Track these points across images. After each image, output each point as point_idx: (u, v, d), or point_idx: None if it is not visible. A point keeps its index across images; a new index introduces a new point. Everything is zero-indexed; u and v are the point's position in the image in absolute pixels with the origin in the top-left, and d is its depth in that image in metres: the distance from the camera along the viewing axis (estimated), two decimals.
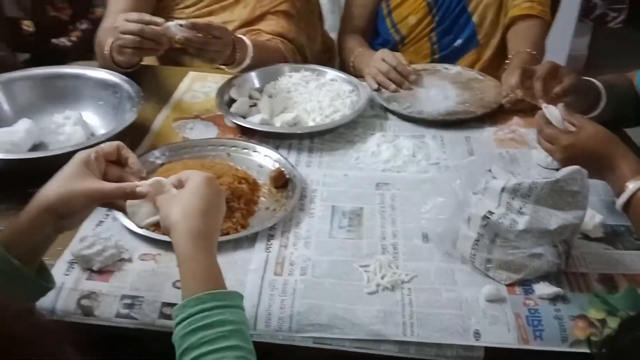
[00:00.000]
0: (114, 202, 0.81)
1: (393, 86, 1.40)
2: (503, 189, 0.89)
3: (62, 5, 3.14)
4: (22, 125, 1.16)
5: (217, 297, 0.69)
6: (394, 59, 1.42)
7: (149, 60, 1.58)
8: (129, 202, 0.79)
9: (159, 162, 1.13)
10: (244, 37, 1.40)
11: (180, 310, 0.68)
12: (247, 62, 1.39)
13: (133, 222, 0.81)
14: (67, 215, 0.75)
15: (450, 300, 0.89)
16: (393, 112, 1.35)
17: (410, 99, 1.38)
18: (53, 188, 0.75)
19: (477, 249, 0.92)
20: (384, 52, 1.45)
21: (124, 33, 1.19)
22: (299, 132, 1.24)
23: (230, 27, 1.54)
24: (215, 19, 1.55)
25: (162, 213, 0.76)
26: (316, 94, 1.34)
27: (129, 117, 1.14)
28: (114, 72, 1.27)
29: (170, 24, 1.19)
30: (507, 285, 0.91)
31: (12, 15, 2.96)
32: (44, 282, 0.78)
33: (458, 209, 0.94)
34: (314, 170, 1.17)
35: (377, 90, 1.40)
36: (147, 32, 1.19)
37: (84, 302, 0.87)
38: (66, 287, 0.89)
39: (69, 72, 1.27)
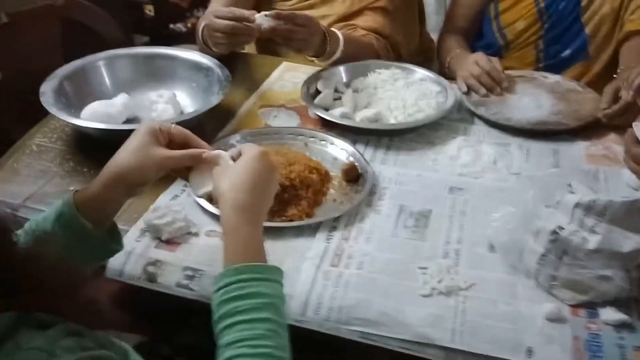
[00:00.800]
0: (180, 170, 0.84)
1: (483, 90, 1.36)
2: (577, 205, 0.85)
3: None
4: (120, 100, 1.24)
5: (255, 270, 0.70)
6: (488, 63, 1.38)
7: (248, 48, 1.63)
8: (192, 172, 0.82)
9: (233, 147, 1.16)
10: (336, 30, 1.41)
11: (219, 279, 0.70)
12: (337, 55, 1.40)
13: (192, 191, 0.84)
14: (138, 183, 0.80)
15: (506, 313, 0.85)
16: (480, 117, 1.31)
17: (499, 105, 1.33)
18: (124, 158, 0.79)
19: (543, 265, 0.88)
20: (478, 55, 1.41)
21: (215, 30, 1.24)
22: (378, 128, 1.24)
23: (327, 20, 1.57)
24: (314, 12, 1.57)
25: (214, 184, 0.79)
26: (402, 92, 1.33)
27: (215, 99, 1.18)
28: (208, 57, 1.32)
29: (259, 16, 1.23)
30: (570, 305, 0.86)
31: None
32: (113, 244, 0.83)
33: (526, 220, 0.90)
34: (388, 168, 1.16)
35: (467, 93, 1.37)
36: (237, 29, 1.23)
37: (150, 268, 0.93)
38: (135, 252, 0.94)
39: (166, 53, 1.34)
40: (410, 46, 1.70)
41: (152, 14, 3.09)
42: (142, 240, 0.96)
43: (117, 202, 0.81)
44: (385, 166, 1.17)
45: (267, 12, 1.24)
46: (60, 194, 1.01)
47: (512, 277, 0.91)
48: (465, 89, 1.37)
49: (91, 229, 0.77)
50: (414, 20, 1.72)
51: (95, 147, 1.11)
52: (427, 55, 1.85)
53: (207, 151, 0.82)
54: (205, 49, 1.39)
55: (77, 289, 0.60)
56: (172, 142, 0.83)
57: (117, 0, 2.83)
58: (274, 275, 0.72)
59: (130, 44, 2.82)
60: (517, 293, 0.89)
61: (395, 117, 1.27)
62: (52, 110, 1.12)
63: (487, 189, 1.10)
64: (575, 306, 0.86)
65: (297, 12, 1.31)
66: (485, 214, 1.03)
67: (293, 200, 1.02)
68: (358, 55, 1.45)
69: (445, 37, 1.67)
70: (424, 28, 1.88)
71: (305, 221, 1.00)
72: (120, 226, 0.89)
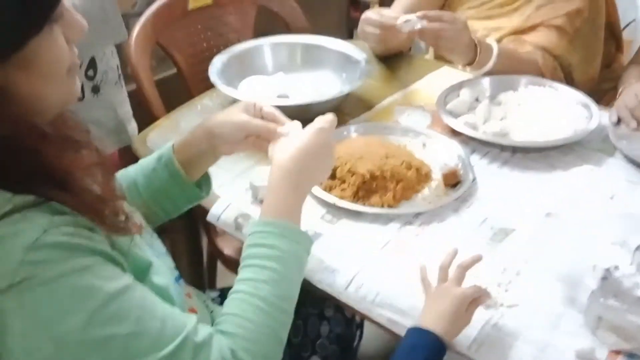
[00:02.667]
0: (262, 146, 0.93)
1: (634, 124, 1.26)
2: (638, 248, 0.79)
3: None
4: (276, 78, 1.41)
5: (280, 226, 0.79)
6: None
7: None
8: (272, 142, 0.92)
9: (348, 134, 1.25)
10: (491, 42, 1.42)
11: (251, 226, 0.81)
12: (489, 65, 1.41)
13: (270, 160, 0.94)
14: (219, 136, 0.92)
15: (537, 341, 0.84)
16: (620, 151, 1.22)
17: None
18: (216, 115, 0.94)
19: (592, 302, 0.83)
20: None
21: (367, 25, 1.35)
22: (493, 142, 1.23)
23: (500, 33, 1.57)
24: (490, 23, 1.59)
25: (274, 148, 0.88)
26: (542, 111, 1.29)
27: (347, 89, 1.29)
28: (359, 51, 1.44)
29: (400, 19, 1.31)
30: (610, 351, 0.81)
31: None
32: (201, 190, 0.98)
33: (591, 251, 0.87)
34: (496, 181, 1.16)
35: (617, 123, 1.28)
36: (385, 26, 1.32)
37: (239, 219, 1.08)
38: (234, 205, 1.10)
39: (323, 44, 1.48)
40: (588, 71, 1.61)
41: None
42: (241, 197, 1.12)
43: (201, 151, 0.94)
44: (493, 179, 1.16)
45: (408, 17, 1.31)
46: None
47: (564, 309, 0.88)
48: (615, 119, 1.28)
49: (180, 170, 0.93)
50: (596, 45, 1.62)
51: None
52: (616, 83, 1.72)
53: (283, 127, 0.90)
54: (371, 45, 1.52)
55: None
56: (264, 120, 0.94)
57: None
58: (297, 237, 0.81)
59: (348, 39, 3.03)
60: (559, 325, 0.86)
61: (524, 135, 1.25)
62: (213, 78, 1.33)
63: (586, 221, 1.05)
64: (616, 352, 0.81)
65: (444, 12, 1.35)
66: (567, 242, 0.99)
67: (379, 189, 1.09)
68: (517, 69, 1.44)
69: (629, 68, 1.55)
70: (621, 56, 1.76)
71: (383, 210, 1.06)
72: (232, 182, 1.04)
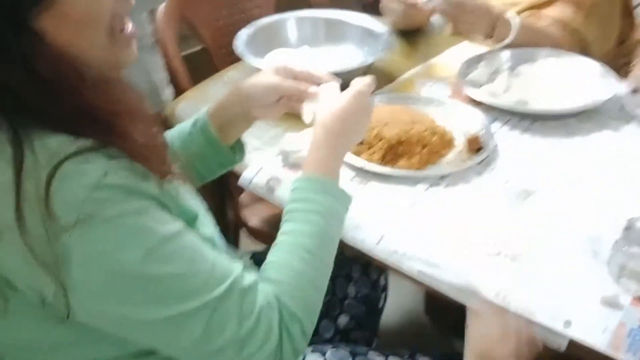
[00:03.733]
0: (294, 108, 0.97)
1: None
2: None
3: None
4: (301, 50, 1.45)
5: (319, 181, 0.84)
6: None
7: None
8: (304, 102, 0.96)
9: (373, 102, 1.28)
10: (512, 17, 1.45)
11: (294, 182, 0.86)
12: (508, 40, 1.44)
13: (303, 119, 0.97)
14: (252, 99, 0.96)
15: (562, 287, 0.88)
16: (638, 118, 1.26)
17: None
18: (248, 79, 0.98)
19: (616, 252, 0.88)
20: None
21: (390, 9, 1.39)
22: (515, 110, 1.27)
23: (517, 7, 1.60)
24: None
25: (318, 105, 0.92)
26: (560, 81, 1.33)
27: (369, 59, 1.33)
28: (382, 25, 1.47)
29: None
30: (633, 297, 0.85)
31: None
32: (233, 154, 1.02)
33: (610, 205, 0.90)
34: (517, 148, 1.19)
35: (635, 92, 1.31)
36: (406, 11, 1.41)
37: (271, 182, 1.12)
38: (265, 168, 1.14)
39: (344, 19, 1.52)
40: (604, 46, 1.64)
41: None
42: (273, 160, 1.16)
43: (235, 114, 0.97)
44: (514, 146, 1.20)
45: None
46: None
47: (589, 260, 0.92)
48: (629, 88, 1.32)
49: (215, 134, 0.97)
50: (612, 20, 1.65)
51: None
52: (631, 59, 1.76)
53: (314, 87, 0.94)
54: (392, 20, 1.55)
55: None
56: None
57: None
58: (338, 193, 0.85)
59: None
60: (584, 276, 0.90)
61: (543, 103, 1.29)
62: (240, 50, 1.37)
63: (606, 181, 1.08)
64: (638, 298, 0.85)
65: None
66: (594, 203, 1.03)
67: (406, 153, 1.13)
68: (534, 42, 1.47)
69: None
70: (636, 32, 1.79)
71: (409, 172, 1.10)
72: (263, 147, 1.09)
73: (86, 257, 0.63)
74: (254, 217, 1.53)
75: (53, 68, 0.64)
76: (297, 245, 0.80)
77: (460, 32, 1.45)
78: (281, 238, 0.81)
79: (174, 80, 1.46)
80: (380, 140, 1.14)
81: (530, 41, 1.47)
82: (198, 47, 1.69)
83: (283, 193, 1.09)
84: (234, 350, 0.70)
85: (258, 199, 1.40)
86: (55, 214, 0.61)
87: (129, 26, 0.73)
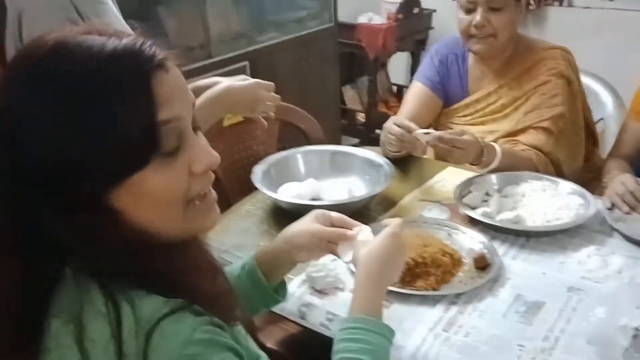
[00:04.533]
0: (333, 250, 1.07)
1: (626, 208, 1.46)
2: None
3: (394, 105, 3.77)
4: (308, 183, 1.59)
5: (368, 322, 0.92)
6: (634, 184, 1.49)
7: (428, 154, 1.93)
8: (340, 244, 1.07)
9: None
10: (495, 145, 1.64)
11: (343, 322, 0.94)
12: (493, 165, 1.62)
13: (341, 258, 1.07)
14: (298, 245, 1.06)
15: None
16: (618, 232, 1.42)
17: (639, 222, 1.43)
18: (293, 226, 1.08)
19: (626, 359, 0.99)
20: (626, 177, 1.53)
21: (389, 133, 1.56)
22: (514, 228, 1.42)
23: (494, 135, 1.80)
24: (483, 128, 1.83)
25: (355, 252, 1.03)
26: (546, 201, 1.50)
27: (378, 189, 1.48)
28: (380, 156, 1.64)
29: (419, 132, 1.52)
30: None
31: (351, 107, 3.68)
32: (278, 295, 1.10)
33: (617, 315, 1.03)
34: (517, 263, 1.33)
35: (610, 209, 1.48)
36: (406, 137, 1.55)
37: (303, 308, 1.21)
38: (295, 295, 1.23)
39: (347, 152, 1.68)
40: (573, 165, 1.84)
41: (363, 120, 3.57)
42: (301, 287, 1.26)
43: (282, 260, 1.07)
44: (514, 261, 1.34)
45: (426, 131, 1.53)
46: (254, 247, 1.35)
47: None
48: (609, 204, 1.49)
49: (262, 278, 1.06)
50: (578, 143, 1.86)
51: (284, 216, 1.46)
52: (598, 174, 1.96)
53: (351, 231, 1.06)
54: (384, 150, 1.72)
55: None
56: (333, 225, 1.08)
57: (334, 109, 3.35)
58: (383, 330, 0.93)
59: (337, 142, 3.29)
60: None
61: (534, 221, 1.44)
62: (258, 185, 1.50)
63: (604, 293, 1.22)
64: None
65: (457, 138, 1.54)
66: (596, 314, 1.15)
67: (423, 274, 1.25)
68: (516, 166, 1.65)
69: (610, 161, 1.79)
70: (597, 150, 2.01)
71: (430, 292, 1.22)
72: (288, 275, 1.19)
73: None
74: (269, 339, 1.59)
75: (123, 241, 0.71)
76: None
77: (454, 162, 1.63)
78: None
79: None
80: None
81: (511, 164, 1.65)
82: None
83: (314, 317, 1.19)
84: None
85: (272, 322, 1.48)
86: None
87: (210, 194, 0.79)
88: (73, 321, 0.69)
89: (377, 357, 0.90)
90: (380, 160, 1.63)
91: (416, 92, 1.91)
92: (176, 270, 0.75)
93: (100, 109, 0.67)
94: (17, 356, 0.71)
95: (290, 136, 1.94)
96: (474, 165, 1.65)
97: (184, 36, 2.13)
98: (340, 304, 1.20)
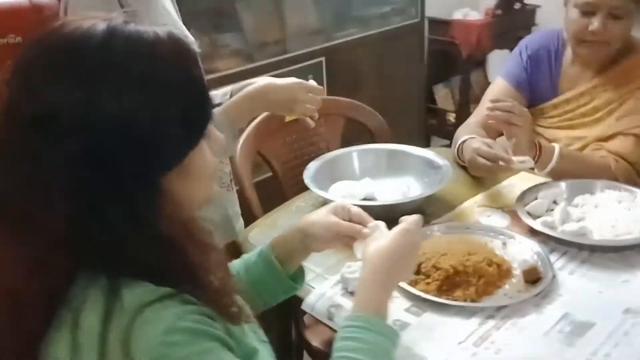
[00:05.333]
0: (349, 244, 1.05)
1: None
2: None
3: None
4: (363, 182, 1.55)
5: (369, 321, 0.89)
6: None
7: None
8: (356, 242, 1.04)
9: (431, 232, 1.35)
10: (555, 146, 1.52)
11: (345, 320, 0.91)
12: (550, 166, 1.51)
13: (356, 255, 1.05)
14: (311, 236, 1.05)
15: None
16: None
17: None
18: (309, 216, 1.07)
19: None
20: None
21: (476, 168, 1.50)
22: (578, 241, 1.29)
23: (583, 142, 1.68)
24: (572, 133, 1.71)
25: (364, 248, 0.99)
26: (619, 213, 1.35)
27: (431, 190, 1.41)
28: (442, 157, 1.56)
29: (516, 161, 1.46)
30: None
31: (442, 107, 3.57)
32: (294, 283, 1.09)
33: None
34: (575, 279, 1.21)
35: None
36: (494, 169, 1.47)
37: (332, 309, 1.18)
38: (327, 295, 1.20)
39: (406, 151, 1.62)
40: None
41: (453, 120, 3.45)
42: (334, 288, 1.22)
43: (295, 248, 1.07)
44: (571, 277, 1.22)
45: (522, 159, 1.47)
46: None
47: None
48: None
49: (276, 264, 1.05)
50: None
51: None
52: None
53: (367, 229, 1.02)
54: (457, 159, 1.64)
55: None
56: (351, 220, 1.06)
57: (420, 108, 3.27)
58: (385, 331, 0.89)
59: (423, 143, 3.21)
60: None
61: (602, 234, 1.31)
62: (307, 182, 1.48)
63: None
64: None
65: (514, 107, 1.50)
66: None
67: (463, 284, 1.17)
68: (587, 173, 1.52)
69: None
70: None
71: (467, 303, 1.14)
72: (325, 275, 1.16)
73: None
74: (316, 338, 1.57)
75: (169, 226, 0.73)
76: None
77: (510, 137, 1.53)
78: None
79: (246, 208, 1.58)
80: (437, 270, 1.18)
81: (582, 171, 1.53)
82: (268, 174, 1.83)
83: (341, 319, 1.14)
84: None
85: (319, 321, 1.46)
86: (133, 356, 0.68)
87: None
88: (74, 311, 0.72)
89: (374, 356, 0.87)
90: (440, 161, 1.56)
91: (498, 89, 1.80)
92: (200, 264, 0.76)
93: (170, 90, 0.72)
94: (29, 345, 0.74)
95: (356, 133, 1.90)
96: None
97: (260, 31, 2.15)
98: None
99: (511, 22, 3.32)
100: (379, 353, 0.87)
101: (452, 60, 3.41)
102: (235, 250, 1.39)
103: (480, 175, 1.58)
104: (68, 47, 0.69)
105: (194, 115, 0.76)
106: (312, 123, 1.46)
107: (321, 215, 1.06)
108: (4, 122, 0.70)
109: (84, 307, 0.70)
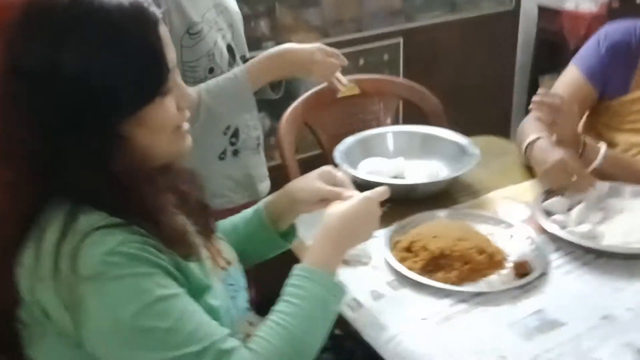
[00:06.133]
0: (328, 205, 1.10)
1: None
2: None
3: None
4: (395, 161, 1.60)
5: (314, 273, 0.96)
6: None
7: None
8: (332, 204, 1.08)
9: (436, 216, 1.38)
10: (601, 145, 1.46)
11: (293, 269, 0.98)
12: (594, 165, 1.46)
13: None
14: (298, 199, 1.13)
15: None
16: None
17: None
18: (298, 180, 1.15)
19: None
20: None
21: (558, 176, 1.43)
22: (582, 244, 1.27)
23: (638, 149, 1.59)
24: (632, 137, 1.61)
25: (328, 210, 1.05)
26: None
27: (454, 174, 1.44)
28: (474, 144, 1.57)
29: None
30: None
31: None
32: (282, 240, 1.18)
33: None
34: (566, 280, 1.20)
35: None
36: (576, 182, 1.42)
37: None
38: None
39: (440, 135, 1.65)
40: None
41: None
42: None
43: (283, 208, 1.15)
44: (565, 277, 1.21)
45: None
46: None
47: None
48: None
49: (267, 222, 1.16)
50: None
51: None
52: None
53: (348, 192, 1.08)
54: (526, 159, 1.58)
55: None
56: (337, 185, 1.12)
57: (506, 98, 3.15)
58: (324, 281, 0.96)
59: (506, 133, 3.09)
60: None
61: (613, 240, 1.27)
62: (336, 156, 1.56)
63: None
64: None
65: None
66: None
67: (446, 267, 1.21)
68: (629, 178, 1.46)
69: None
70: None
71: (443, 285, 1.18)
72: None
73: (95, 305, 0.83)
74: None
75: (127, 168, 0.86)
76: (278, 324, 0.92)
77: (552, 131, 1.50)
78: (269, 316, 0.94)
79: (286, 180, 1.68)
80: (425, 251, 1.23)
81: (619, 174, 1.47)
82: (316, 152, 1.91)
83: None
84: None
85: None
86: (78, 270, 0.82)
87: (185, 124, 0.95)
88: (41, 228, 0.87)
89: (310, 303, 0.93)
90: (473, 149, 1.57)
91: (569, 79, 1.70)
92: (148, 204, 0.89)
93: (125, 51, 0.84)
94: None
95: (412, 115, 1.94)
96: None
97: (337, 8, 2.21)
98: (357, 279, 1.23)
99: (628, 17, 3.09)
100: (314, 300, 0.94)
101: (561, 51, 3.25)
102: None
103: (558, 185, 1.45)
104: (41, 7, 0.84)
105: (147, 75, 0.86)
106: (341, 88, 1.52)
107: (308, 181, 1.14)
108: None
109: (48, 225, 0.85)
